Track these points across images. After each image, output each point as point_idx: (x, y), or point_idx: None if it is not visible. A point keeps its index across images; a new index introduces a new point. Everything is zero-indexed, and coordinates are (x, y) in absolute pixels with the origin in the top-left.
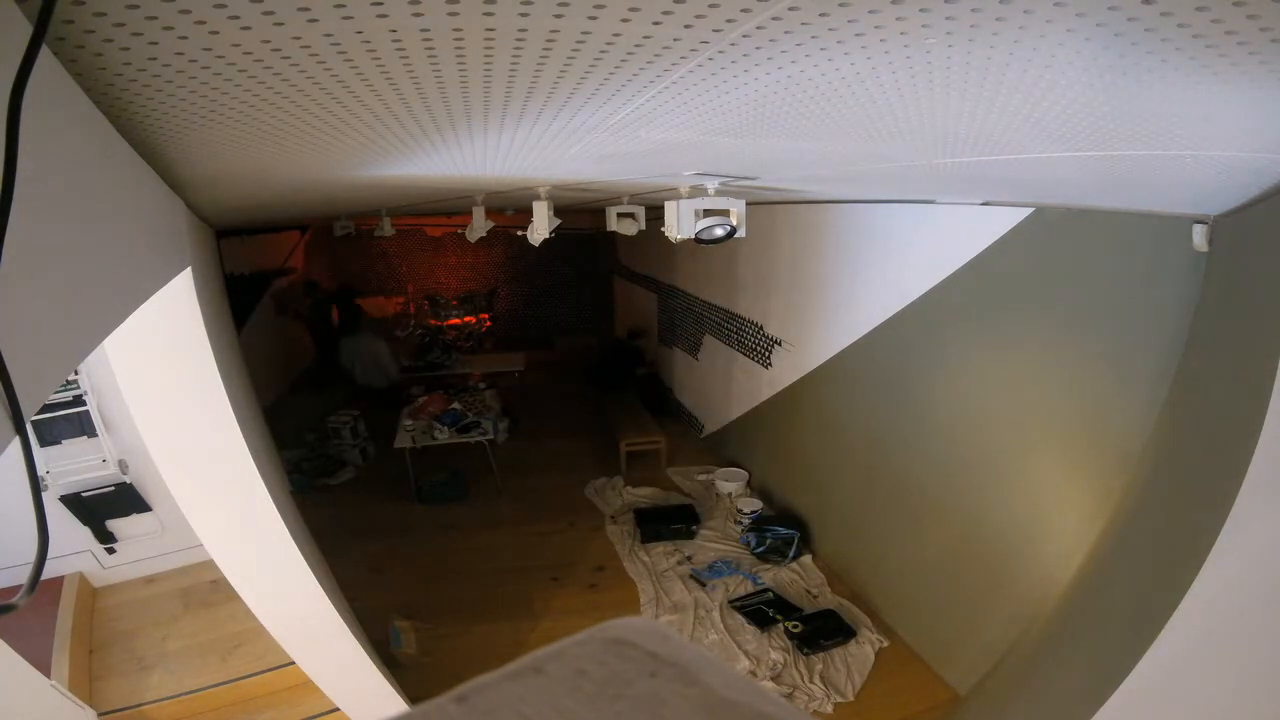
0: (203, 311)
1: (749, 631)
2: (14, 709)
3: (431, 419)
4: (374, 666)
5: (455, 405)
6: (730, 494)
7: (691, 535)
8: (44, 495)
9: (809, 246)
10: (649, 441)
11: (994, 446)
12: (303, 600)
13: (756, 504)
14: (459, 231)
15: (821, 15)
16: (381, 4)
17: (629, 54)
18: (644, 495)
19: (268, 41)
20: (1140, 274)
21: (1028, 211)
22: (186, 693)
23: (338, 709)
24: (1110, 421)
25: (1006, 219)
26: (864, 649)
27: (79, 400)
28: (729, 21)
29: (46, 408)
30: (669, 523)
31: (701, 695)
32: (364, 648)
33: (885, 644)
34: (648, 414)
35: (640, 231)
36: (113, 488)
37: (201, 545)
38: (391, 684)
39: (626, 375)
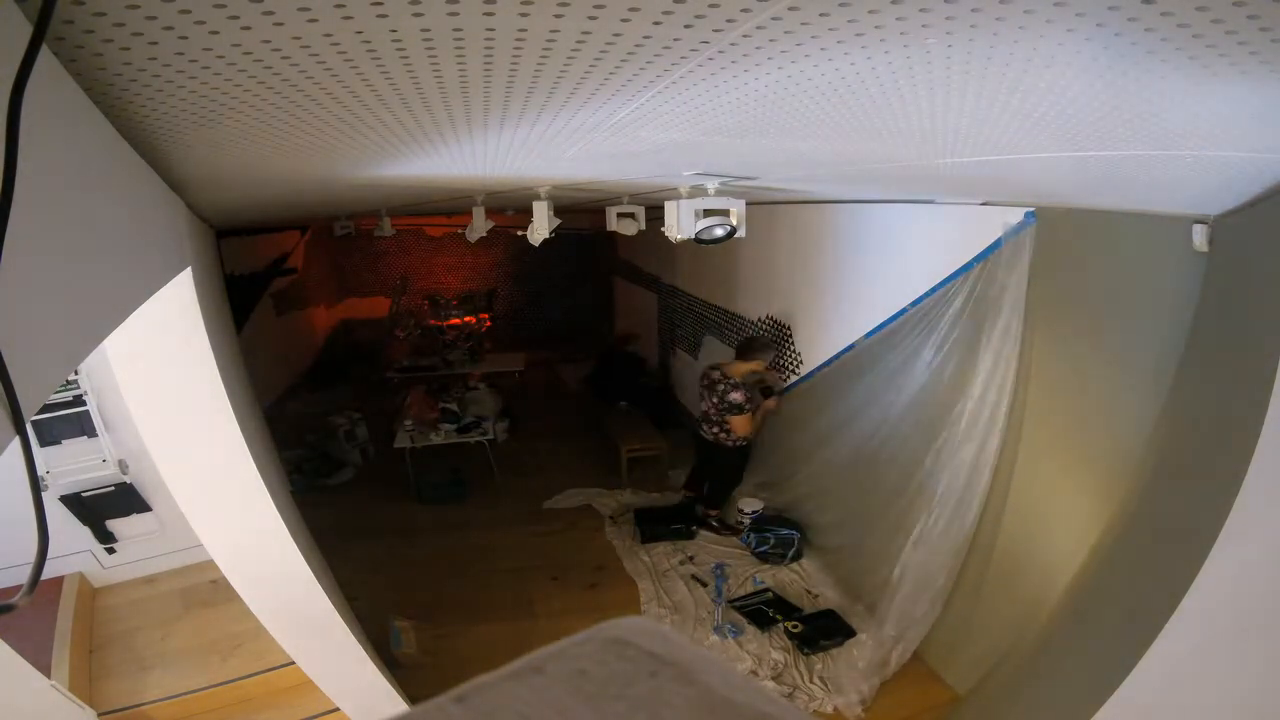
0: (203, 311)
1: (749, 631)
2: (14, 709)
3: (419, 420)
4: (374, 666)
5: (451, 405)
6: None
7: (691, 535)
8: (44, 495)
9: (809, 247)
10: (650, 448)
11: (995, 447)
12: (303, 600)
13: (757, 504)
14: (459, 231)
15: (821, 15)
16: (381, 4)
17: (629, 54)
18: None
19: (268, 41)
20: (1140, 274)
21: (1028, 211)
22: (186, 693)
23: (338, 709)
24: (1110, 421)
25: (1006, 219)
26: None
27: (79, 400)
28: (729, 22)
29: (46, 408)
30: (669, 523)
31: (701, 695)
32: (364, 648)
33: None
34: (650, 423)
35: (640, 231)
36: (113, 488)
37: (201, 545)
38: (391, 684)
39: (629, 387)
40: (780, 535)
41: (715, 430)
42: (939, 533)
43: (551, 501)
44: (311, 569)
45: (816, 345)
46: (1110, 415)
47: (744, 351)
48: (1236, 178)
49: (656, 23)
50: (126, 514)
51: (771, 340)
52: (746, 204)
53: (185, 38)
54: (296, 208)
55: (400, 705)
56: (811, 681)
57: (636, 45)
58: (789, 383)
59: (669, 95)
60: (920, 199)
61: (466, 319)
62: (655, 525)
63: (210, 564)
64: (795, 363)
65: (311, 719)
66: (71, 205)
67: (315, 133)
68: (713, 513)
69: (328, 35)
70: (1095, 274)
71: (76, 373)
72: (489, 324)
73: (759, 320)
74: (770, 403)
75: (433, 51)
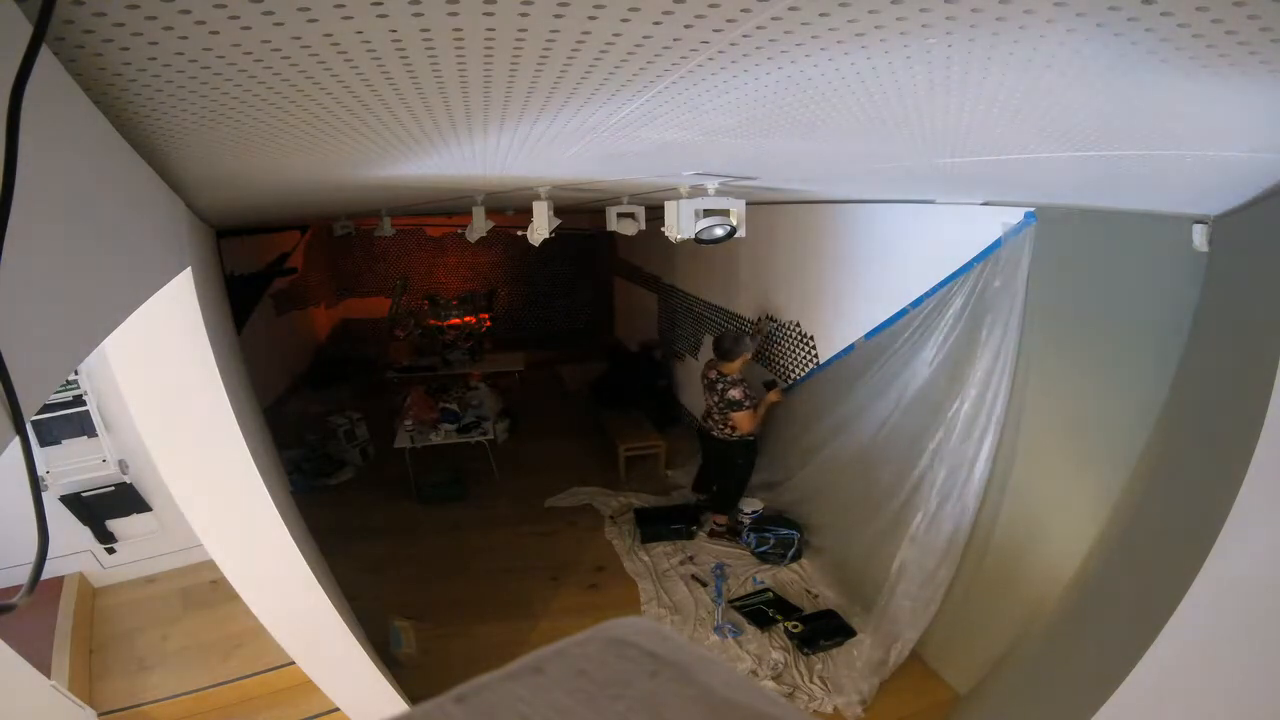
0: (203, 311)
1: (749, 631)
2: (14, 709)
3: (419, 420)
4: (374, 666)
5: (452, 405)
6: None
7: (692, 535)
8: (44, 495)
9: (809, 247)
10: (648, 446)
11: (993, 446)
12: (303, 600)
13: (757, 504)
14: (459, 231)
15: (821, 15)
16: (381, 4)
17: (629, 54)
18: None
19: (268, 41)
20: (1140, 274)
21: (1028, 211)
22: (186, 693)
23: (338, 709)
24: (1110, 421)
25: (1006, 219)
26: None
27: (79, 400)
28: (729, 21)
29: (46, 408)
30: (669, 523)
31: (701, 695)
32: (364, 648)
33: None
34: (649, 423)
35: (640, 231)
36: (113, 488)
37: (201, 545)
38: (391, 684)
39: (640, 392)
40: (780, 535)
41: (720, 427)
42: (937, 531)
43: (553, 499)
44: (311, 569)
45: (817, 346)
46: (1110, 415)
47: (724, 354)
48: (1236, 178)
49: (656, 23)
50: (126, 514)
51: (742, 331)
52: (746, 204)
53: (185, 38)
54: (297, 208)
55: (400, 705)
56: (811, 681)
57: (637, 45)
58: (806, 373)
59: (669, 95)
60: (920, 199)
61: (466, 319)
62: (655, 525)
63: (210, 564)
64: (812, 357)
65: (311, 719)
66: (71, 205)
67: (316, 133)
68: (721, 519)
69: (328, 35)
70: (1095, 274)
71: (76, 373)
72: (489, 324)
73: (758, 320)
74: (772, 395)
75: (433, 51)
